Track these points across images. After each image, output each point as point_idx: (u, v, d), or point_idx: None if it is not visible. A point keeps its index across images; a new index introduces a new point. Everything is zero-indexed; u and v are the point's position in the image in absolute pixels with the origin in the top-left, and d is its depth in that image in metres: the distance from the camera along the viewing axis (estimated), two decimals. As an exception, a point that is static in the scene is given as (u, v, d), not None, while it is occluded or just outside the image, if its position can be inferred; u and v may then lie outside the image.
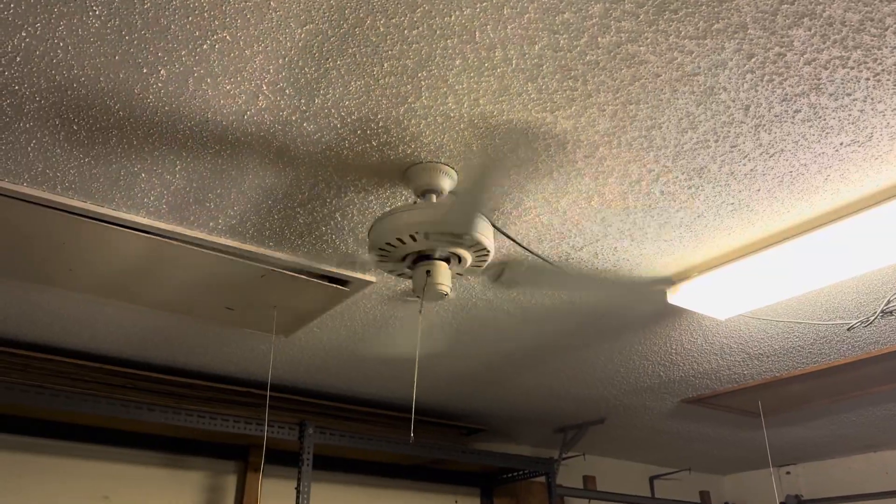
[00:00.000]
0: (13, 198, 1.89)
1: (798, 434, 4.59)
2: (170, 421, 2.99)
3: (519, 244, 2.11)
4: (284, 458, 3.63)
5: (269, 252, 2.19)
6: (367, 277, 2.37)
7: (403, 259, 1.78)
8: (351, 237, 2.14)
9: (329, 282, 2.37)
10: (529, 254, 2.21)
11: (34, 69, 1.49)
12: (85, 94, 1.56)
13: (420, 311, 1.70)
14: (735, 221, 2.11)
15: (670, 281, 2.45)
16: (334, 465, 3.82)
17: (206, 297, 2.46)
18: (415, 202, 1.77)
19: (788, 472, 5.55)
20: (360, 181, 1.88)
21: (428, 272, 1.72)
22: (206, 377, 3.29)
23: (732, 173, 1.88)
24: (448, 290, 1.73)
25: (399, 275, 1.86)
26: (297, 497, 3.16)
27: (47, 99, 1.57)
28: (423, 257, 1.75)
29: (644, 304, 2.63)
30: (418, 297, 1.75)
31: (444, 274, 1.73)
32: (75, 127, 1.66)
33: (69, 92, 1.55)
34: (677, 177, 1.89)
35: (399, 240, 1.72)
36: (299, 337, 2.87)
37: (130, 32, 1.40)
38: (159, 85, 1.53)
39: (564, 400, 3.78)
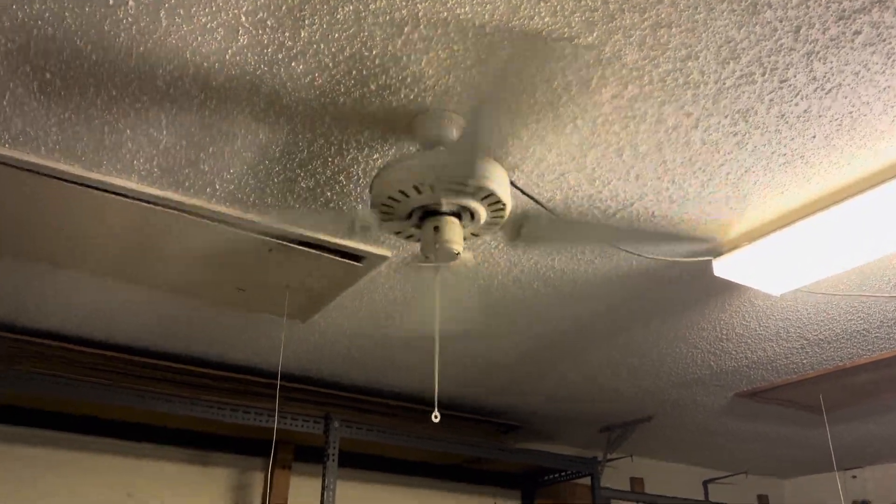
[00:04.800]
0: (-3, 162, 1.77)
1: (865, 432, 4.25)
2: (188, 412, 2.87)
3: (536, 200, 1.90)
4: (311, 455, 3.48)
5: (273, 222, 2.04)
6: (382, 252, 2.19)
7: (409, 216, 1.60)
8: (359, 203, 1.97)
9: (341, 257, 2.20)
10: (548, 209, 2.00)
11: (-7, 5, 1.36)
12: (52, 33, 1.42)
13: (436, 271, 1.52)
14: (788, 177, 1.87)
15: (716, 251, 2.21)
16: (363, 462, 3.65)
17: (213, 276, 2.31)
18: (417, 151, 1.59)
19: (855, 476, 5.17)
20: (362, 135, 1.70)
21: (436, 229, 1.53)
22: (226, 368, 3.15)
23: (783, 116, 1.65)
24: (460, 248, 1.54)
25: (407, 237, 1.68)
26: (323, 495, 2.99)
27: (13, 41, 1.44)
28: (431, 213, 1.56)
29: (688, 279, 2.39)
30: (427, 257, 1.56)
31: (454, 230, 1.54)
32: (48, 75, 1.53)
33: (35, 32, 1.42)
34: (720, 122, 1.67)
35: (402, 192, 1.53)
36: (318, 322, 2.71)
37: (89, -46, 1.25)
38: (129, 20, 1.39)
39: (607, 393, 3.54)
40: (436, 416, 1.57)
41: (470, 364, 3.16)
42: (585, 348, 2.99)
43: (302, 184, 1.88)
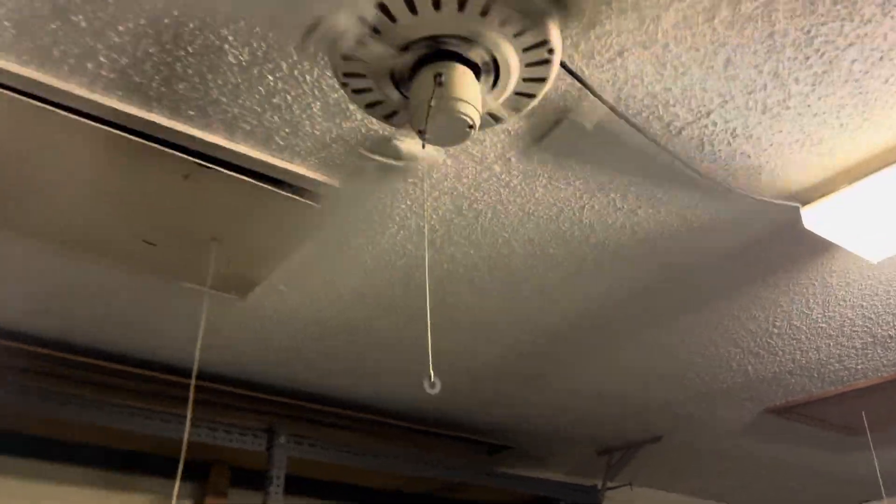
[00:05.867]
0: None
1: (889, 460, 3.69)
2: (87, 418, 2.20)
3: (586, 85, 1.29)
4: (252, 480, 2.79)
5: (188, 128, 1.40)
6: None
7: (392, 74, 0.98)
8: (318, 102, 1.34)
9: (290, 191, 1.57)
10: (601, 104, 1.40)
11: None
12: None
13: (424, 142, 0.88)
14: (937, 71, 1.30)
15: (805, 197, 1.63)
16: (314, 489, 2.96)
17: (111, 220, 1.66)
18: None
19: (870, 511, 4.61)
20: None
21: (439, 77, 0.91)
22: (137, 363, 2.46)
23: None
24: (475, 116, 0.93)
25: (387, 116, 1.06)
26: (262, 529, 2.33)
27: None
28: (429, 58, 0.95)
29: (754, 243, 1.81)
30: (420, 132, 0.94)
31: (465, 84, 0.93)
32: None
33: None
34: (872, -43, 1.09)
35: (385, 11, 0.91)
36: (261, 302, 2.06)
37: None
38: None
39: (615, 406, 2.93)
40: (433, 384, 0.93)
41: (450, 370, 2.53)
42: (597, 347, 2.39)
43: (231, 57, 1.25)
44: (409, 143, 1.08)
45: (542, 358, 2.47)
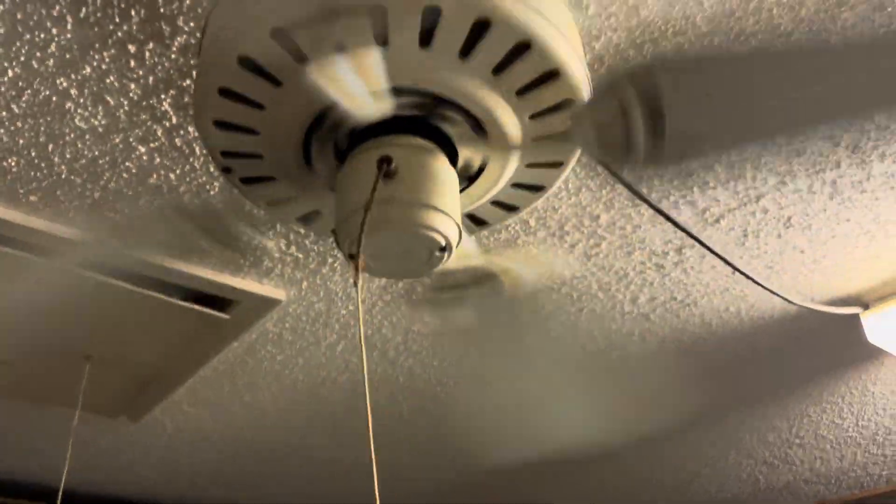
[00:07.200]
0: None
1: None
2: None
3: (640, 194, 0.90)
4: None
5: (24, 217, 0.98)
6: (269, 291, 1.16)
7: (306, 148, 0.58)
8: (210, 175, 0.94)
9: (188, 300, 1.15)
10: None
11: None
12: None
13: (356, 285, 0.46)
14: None
15: (860, 299, 1.27)
16: None
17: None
18: None
19: None
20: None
21: (387, 166, 0.51)
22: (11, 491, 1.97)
23: None
24: (451, 232, 0.52)
25: (304, 218, 0.65)
26: None
27: None
28: (370, 130, 0.54)
29: (797, 352, 1.44)
30: (351, 256, 0.53)
31: (434, 177, 0.52)
32: None
33: None
34: None
35: (249, 62, 0.51)
36: (163, 422, 1.61)
37: None
38: None
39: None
40: None
41: (407, 493, 2.10)
42: (592, 462, 1.98)
43: (79, 120, 0.84)
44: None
45: (522, 476, 2.05)
